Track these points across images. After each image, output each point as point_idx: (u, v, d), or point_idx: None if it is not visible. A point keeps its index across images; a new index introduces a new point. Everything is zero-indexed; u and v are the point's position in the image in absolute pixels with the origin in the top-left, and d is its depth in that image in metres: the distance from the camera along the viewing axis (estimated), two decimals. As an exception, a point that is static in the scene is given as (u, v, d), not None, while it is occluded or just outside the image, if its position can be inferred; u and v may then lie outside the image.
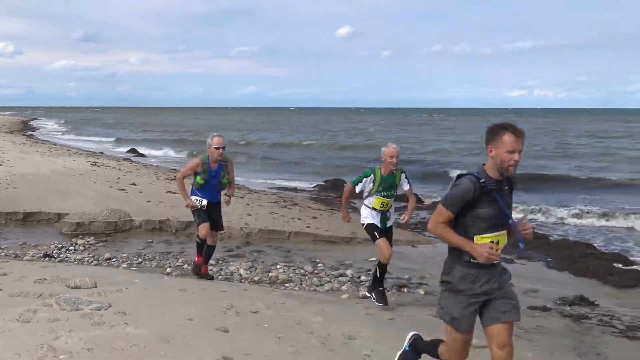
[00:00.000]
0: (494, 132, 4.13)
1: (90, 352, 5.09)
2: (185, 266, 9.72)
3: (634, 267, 11.34)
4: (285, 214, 14.42)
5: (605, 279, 10.52)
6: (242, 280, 9.14)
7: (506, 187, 4.23)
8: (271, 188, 21.83)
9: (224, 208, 8.74)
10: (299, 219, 13.98)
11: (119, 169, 21.90)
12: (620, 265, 11.30)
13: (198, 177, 8.12)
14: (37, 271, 8.00)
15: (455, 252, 4.24)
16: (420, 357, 4.97)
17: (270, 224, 12.87)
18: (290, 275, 9.55)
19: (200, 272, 8.60)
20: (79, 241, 11.13)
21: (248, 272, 9.55)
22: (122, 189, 16.07)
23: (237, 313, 6.61)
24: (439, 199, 16.60)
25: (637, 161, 33.03)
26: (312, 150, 42.50)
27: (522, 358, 6.13)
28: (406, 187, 7.76)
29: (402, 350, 5.07)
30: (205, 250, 8.53)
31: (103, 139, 52.89)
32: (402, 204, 11.46)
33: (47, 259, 9.86)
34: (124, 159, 30.02)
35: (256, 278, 9.29)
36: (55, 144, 38.85)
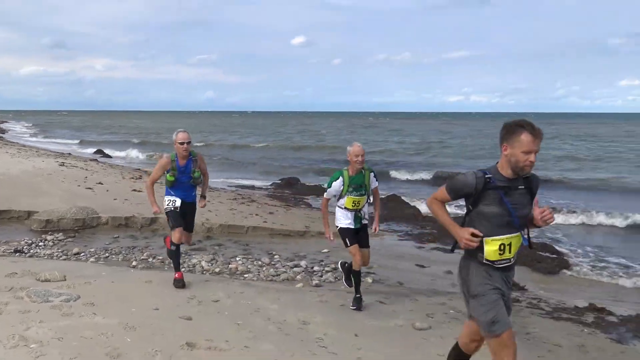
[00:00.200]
0: (510, 130, 3.79)
1: (60, 341, 4.99)
2: (150, 259, 9.59)
3: (559, 256, 11.64)
4: (243, 210, 14.35)
5: (533, 267, 10.76)
6: (204, 272, 9.05)
7: (521, 187, 3.86)
8: (230, 186, 21.67)
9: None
10: (256, 214, 13.93)
11: (86, 169, 21.45)
12: (547, 254, 11.57)
13: (168, 175, 7.41)
14: (7, 266, 7.79)
15: (471, 252, 3.91)
16: None
17: (230, 220, 12.79)
18: (249, 266, 9.51)
19: (182, 285, 7.30)
20: (49, 237, 10.88)
21: (209, 264, 9.47)
22: (90, 188, 15.75)
23: (200, 302, 6.57)
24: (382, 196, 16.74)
25: (564, 160, 33.83)
26: (268, 151, 42.38)
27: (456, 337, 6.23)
28: (374, 184, 7.22)
29: None
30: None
31: (70, 141, 51.67)
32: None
33: (17, 254, 9.60)
34: (91, 160, 29.43)
35: (217, 270, 9.22)
36: (24, 146, 37.86)
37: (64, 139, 54.26)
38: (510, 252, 3.88)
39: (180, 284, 7.29)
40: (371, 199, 7.26)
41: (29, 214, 12.27)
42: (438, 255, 11.30)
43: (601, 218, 15.45)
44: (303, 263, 9.87)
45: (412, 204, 17.36)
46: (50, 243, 10.51)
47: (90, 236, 11.36)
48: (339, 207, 7.09)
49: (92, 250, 10.06)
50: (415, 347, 5.80)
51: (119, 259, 9.62)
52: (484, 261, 3.85)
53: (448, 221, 3.91)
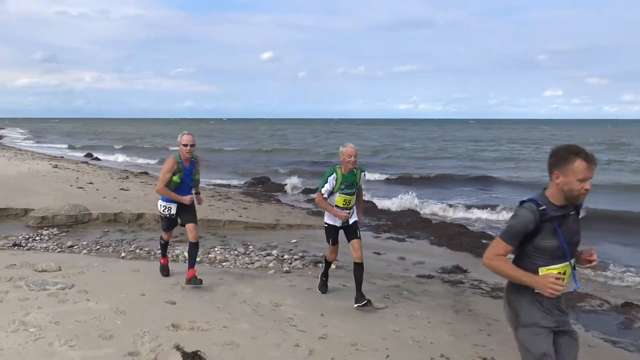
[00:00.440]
0: (562, 157, 3.17)
1: (57, 325, 4.91)
2: (138, 251, 9.46)
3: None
4: (220, 206, 14.25)
5: (474, 252, 10.93)
6: (187, 261, 8.96)
7: (572, 213, 3.28)
8: (208, 185, 21.48)
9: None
10: (232, 209, 13.85)
11: (78, 171, 21.02)
12: (485, 241, 11.76)
13: (175, 177, 6.67)
14: (7, 258, 7.60)
15: (519, 285, 3.29)
16: None
17: (209, 214, 12.68)
18: (226, 256, 9.46)
19: (168, 274, 7.13)
20: (44, 232, 10.63)
21: (191, 254, 9.40)
22: (81, 187, 15.46)
23: (183, 288, 6.52)
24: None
25: (502, 160, 34.34)
26: (241, 154, 42.09)
27: (413, 315, 6.33)
28: (362, 184, 6.72)
29: None
30: (189, 250, 6.87)
31: (62, 146, 50.51)
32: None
33: (16, 247, 9.36)
34: (82, 162, 28.84)
35: (198, 259, 9.14)
36: (20, 150, 36.91)
37: (56, 144, 53.01)
38: (564, 280, 3.26)
39: (165, 270, 7.20)
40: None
41: (26, 211, 11.99)
42: (392, 244, 11.41)
43: None
44: (274, 252, 9.86)
45: (370, 199, 17.47)
46: (46, 237, 10.29)
47: (83, 231, 11.15)
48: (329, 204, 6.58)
49: (85, 243, 9.88)
50: (373, 324, 5.86)
51: (109, 251, 9.46)
52: (537, 290, 3.20)
53: (521, 274, 3.19)
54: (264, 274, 8.19)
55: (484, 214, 15.61)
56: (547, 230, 3.17)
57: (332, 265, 9.17)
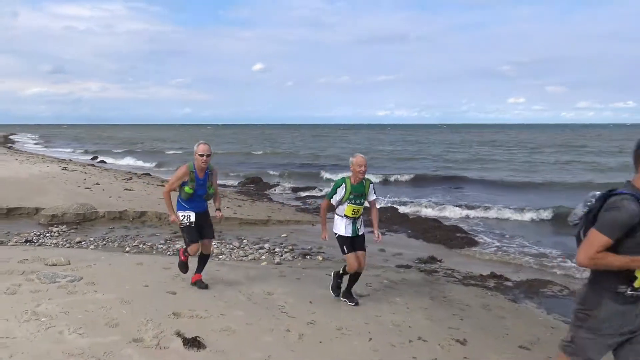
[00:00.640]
0: None
1: (66, 314, 4.85)
2: (141, 245, 9.40)
3: (468, 235, 11.93)
4: (217, 204, 14.17)
5: (447, 244, 11.00)
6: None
7: None
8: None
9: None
10: (227, 207, 13.75)
11: (85, 172, 20.80)
12: (457, 234, 11.84)
13: (186, 187, 5.87)
14: (20, 254, 7.49)
15: (605, 284, 2.85)
16: None
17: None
18: (223, 249, 9.42)
19: (202, 284, 6.16)
20: (54, 229, 10.51)
21: (190, 248, 9.34)
22: (88, 188, 15.30)
23: (183, 279, 6.47)
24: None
25: (474, 162, 34.50)
26: (235, 156, 41.85)
27: (393, 302, 6.33)
28: (372, 197, 6.10)
29: None
30: (200, 257, 6.27)
31: (70, 150, 49.92)
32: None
33: (28, 243, 9.24)
34: (89, 165, 28.56)
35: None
36: (31, 154, 36.43)
37: (65, 148, 52.40)
38: None
39: (184, 266, 6.22)
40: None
41: (37, 210, 11.86)
42: (373, 237, 11.42)
43: (507, 212, 14.95)
44: (267, 246, 9.83)
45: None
46: (56, 234, 10.17)
47: (90, 227, 11.04)
48: (337, 215, 6.02)
49: (92, 239, 9.79)
50: (357, 310, 5.86)
51: (115, 246, 9.38)
52: (628, 292, 2.79)
53: (626, 259, 2.72)
54: (257, 266, 8.15)
55: (455, 210, 15.67)
56: None
57: (319, 257, 9.19)
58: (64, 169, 21.48)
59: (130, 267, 7.05)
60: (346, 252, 5.99)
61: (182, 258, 6.23)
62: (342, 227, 5.99)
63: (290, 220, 12.85)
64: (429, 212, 15.42)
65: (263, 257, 9.06)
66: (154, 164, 33.40)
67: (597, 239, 2.72)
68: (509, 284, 8.09)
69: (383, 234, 5.82)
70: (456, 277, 8.29)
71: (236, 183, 23.21)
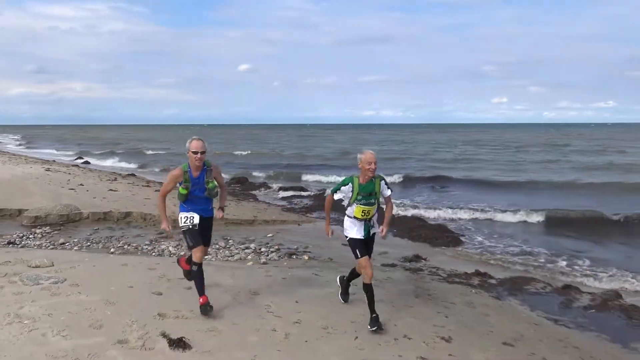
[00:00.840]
0: None
1: (50, 316, 4.80)
2: (126, 246, 9.31)
3: (452, 234, 12.02)
4: (203, 204, 14.09)
5: (432, 243, 11.07)
6: (171, 255, 8.85)
7: None
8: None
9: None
10: (213, 206, 13.69)
11: (69, 173, 20.54)
12: (442, 233, 11.92)
13: (180, 187, 5.38)
14: (2, 255, 7.39)
15: None
16: None
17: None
18: (208, 249, 9.36)
19: (208, 309, 5.22)
20: (37, 230, 10.38)
21: (176, 248, 9.27)
22: (72, 189, 15.12)
23: (168, 280, 6.44)
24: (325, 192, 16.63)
25: (460, 162, 34.68)
26: (221, 156, 41.63)
27: (378, 300, 6.32)
28: (387, 193, 5.53)
29: None
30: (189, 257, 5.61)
31: (54, 150, 49.21)
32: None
33: (10, 245, 9.11)
34: (73, 165, 28.22)
35: (182, 253, 9.03)
36: (14, 154, 35.89)
37: (48, 149, 51.68)
38: None
39: (206, 309, 5.20)
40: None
41: (20, 211, 11.68)
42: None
43: (492, 211, 14.88)
44: (252, 245, 9.81)
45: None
46: (39, 235, 10.04)
47: (74, 229, 10.91)
48: (347, 216, 5.53)
49: (76, 240, 9.68)
50: (343, 309, 5.87)
51: (99, 247, 9.29)
52: None
53: None
54: (243, 266, 8.13)
55: (441, 210, 15.75)
56: None
57: (305, 256, 9.19)
58: (48, 169, 21.22)
59: (115, 268, 6.99)
60: (359, 255, 5.45)
61: (185, 266, 5.73)
62: (353, 229, 5.50)
63: (276, 220, 12.83)
64: (414, 211, 15.50)
65: (249, 257, 9.03)
66: (137, 165, 33.14)
67: None
68: (493, 281, 8.16)
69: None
70: (441, 275, 8.34)
71: (222, 183, 23.10)
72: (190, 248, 5.44)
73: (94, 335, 4.48)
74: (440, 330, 5.42)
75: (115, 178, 20.52)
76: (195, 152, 5.31)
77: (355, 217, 5.45)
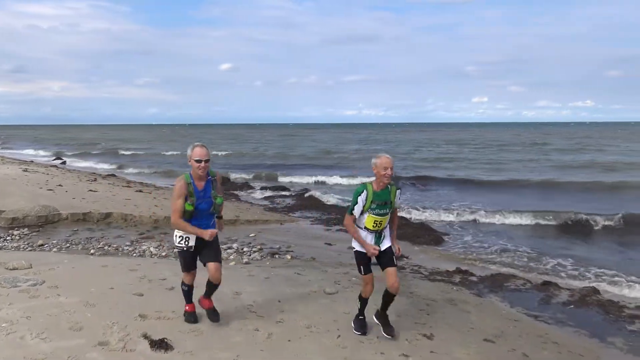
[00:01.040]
0: None
1: (28, 319, 4.73)
2: (106, 247, 9.21)
3: (434, 232, 12.10)
4: (184, 205, 13.99)
5: (414, 241, 11.13)
6: (152, 256, 8.79)
7: None
8: (172, 185, 21.03)
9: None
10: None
11: (47, 174, 20.24)
12: (424, 232, 12.00)
13: (187, 204, 4.69)
14: (-22, 258, 7.26)
15: None
16: None
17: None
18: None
19: (195, 320, 5.04)
20: (15, 232, 10.22)
21: (157, 249, 9.21)
22: (51, 189, 14.89)
23: (150, 281, 6.38)
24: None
25: (442, 161, 34.89)
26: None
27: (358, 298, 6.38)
28: (398, 203, 5.17)
29: None
30: (208, 285, 5.08)
31: (32, 151, 48.40)
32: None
33: (-13, 247, 8.97)
34: (51, 166, 27.81)
35: (163, 254, 8.97)
36: (-10, 155, 35.29)
37: (26, 149, 50.78)
38: None
39: (190, 319, 5.04)
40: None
41: (-3, 213, 11.49)
42: (341, 235, 11.46)
43: (475, 210, 14.83)
44: (235, 245, 9.78)
45: (324, 198, 17.47)
46: (17, 237, 9.89)
47: (53, 230, 10.76)
48: (357, 226, 5.01)
49: (55, 241, 9.55)
50: (326, 307, 5.89)
51: (79, 248, 9.18)
52: None
53: None
54: (225, 266, 8.07)
55: (423, 209, 15.84)
56: None
57: (288, 256, 9.18)
58: (26, 170, 20.87)
59: (95, 269, 6.90)
60: (363, 272, 5.05)
61: (187, 308, 5.16)
62: (359, 243, 5.02)
63: (259, 220, 12.81)
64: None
65: (231, 257, 9.00)
66: (116, 165, 32.73)
67: None
68: (474, 278, 8.25)
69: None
70: (423, 273, 8.41)
71: (204, 183, 22.95)
72: (184, 270, 5.04)
73: (73, 337, 4.42)
74: (422, 328, 5.47)
75: (95, 178, 20.28)
76: (198, 161, 4.68)
77: (366, 228, 4.96)
